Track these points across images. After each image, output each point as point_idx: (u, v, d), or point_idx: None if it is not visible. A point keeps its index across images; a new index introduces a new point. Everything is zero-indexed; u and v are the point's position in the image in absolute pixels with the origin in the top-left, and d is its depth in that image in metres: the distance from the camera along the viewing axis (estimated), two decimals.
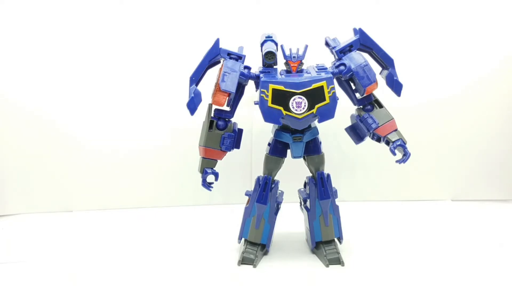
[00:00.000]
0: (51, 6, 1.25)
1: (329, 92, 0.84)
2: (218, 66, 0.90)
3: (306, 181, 0.97)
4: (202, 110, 0.90)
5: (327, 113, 0.85)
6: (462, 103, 1.34)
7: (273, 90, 0.84)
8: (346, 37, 0.93)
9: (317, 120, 0.86)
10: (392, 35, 1.23)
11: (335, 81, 0.88)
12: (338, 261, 0.93)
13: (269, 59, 0.86)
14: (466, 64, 1.32)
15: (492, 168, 1.37)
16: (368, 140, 0.95)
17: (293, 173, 1.00)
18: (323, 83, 0.84)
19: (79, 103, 1.29)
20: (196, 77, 0.87)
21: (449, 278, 0.87)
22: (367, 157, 1.33)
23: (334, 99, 0.85)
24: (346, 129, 0.96)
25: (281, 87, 0.84)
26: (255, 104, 0.87)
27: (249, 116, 1.21)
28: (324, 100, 0.84)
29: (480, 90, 1.33)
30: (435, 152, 1.35)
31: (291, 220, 1.08)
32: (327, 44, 0.93)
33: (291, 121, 0.85)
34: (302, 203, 0.99)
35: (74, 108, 1.29)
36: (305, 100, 0.84)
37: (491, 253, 0.98)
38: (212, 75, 0.91)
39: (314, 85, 0.84)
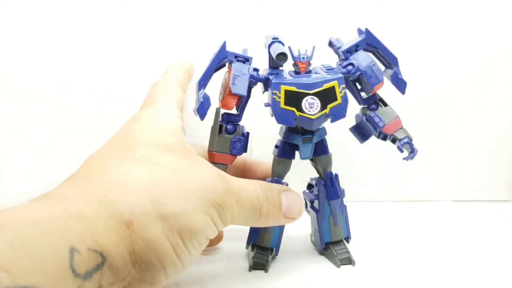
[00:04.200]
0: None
1: (340, 92, 0.84)
2: (224, 69, 0.89)
3: (312, 183, 0.97)
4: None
5: (340, 113, 0.85)
6: (462, 103, 1.35)
7: (286, 91, 0.83)
8: (347, 38, 0.93)
9: (329, 120, 0.86)
10: (393, 35, 1.24)
11: (344, 80, 0.88)
12: (349, 260, 0.93)
13: (281, 60, 0.85)
14: (466, 64, 1.34)
15: (492, 168, 1.39)
16: (367, 141, 0.96)
17: (297, 175, 0.99)
18: (335, 83, 0.84)
19: (78, 104, 1.24)
20: (204, 81, 0.85)
21: (452, 278, 0.88)
22: (366, 158, 1.33)
23: (345, 98, 0.85)
24: (351, 129, 0.96)
25: (294, 88, 0.83)
26: (266, 106, 0.86)
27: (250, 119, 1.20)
28: (336, 100, 0.84)
29: (480, 90, 1.36)
30: (435, 152, 1.36)
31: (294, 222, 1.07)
32: (331, 44, 0.93)
33: (304, 122, 0.84)
34: (309, 204, 0.98)
35: (73, 109, 1.24)
36: (318, 101, 0.83)
37: (492, 254, 1.00)
38: (215, 79, 0.89)
39: (325, 86, 0.84)
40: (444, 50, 1.33)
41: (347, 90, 0.93)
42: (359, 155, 1.31)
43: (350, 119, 0.97)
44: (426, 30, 1.32)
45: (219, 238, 1.01)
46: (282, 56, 0.85)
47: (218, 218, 0.73)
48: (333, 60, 0.94)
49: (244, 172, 1.02)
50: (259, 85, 0.90)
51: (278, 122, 0.84)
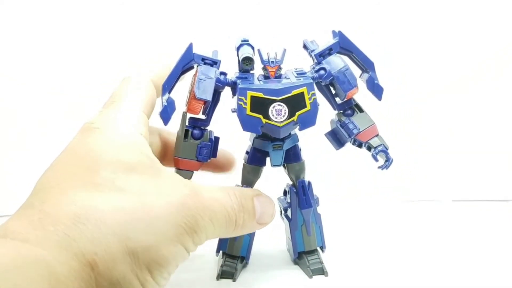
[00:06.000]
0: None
1: (309, 99, 0.80)
2: (192, 72, 0.85)
3: (287, 190, 0.94)
4: (175, 119, 0.85)
5: (308, 120, 0.81)
6: (462, 103, 1.33)
7: (252, 97, 0.79)
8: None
9: (298, 127, 0.83)
10: (393, 35, 1.22)
11: (314, 85, 0.84)
12: (321, 271, 0.90)
13: (247, 64, 0.82)
14: (466, 64, 1.31)
15: (492, 168, 1.35)
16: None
17: (272, 181, 0.96)
18: (304, 89, 0.80)
19: (78, 104, 1.22)
20: (169, 85, 0.82)
21: (450, 279, 0.86)
22: (367, 157, 1.31)
23: (315, 105, 0.81)
24: (326, 135, 0.92)
25: (260, 94, 0.79)
26: (232, 111, 0.82)
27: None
28: (305, 107, 0.80)
29: (479, 90, 1.32)
30: (435, 152, 1.34)
31: (271, 228, 1.04)
32: (305, 47, 0.89)
33: (271, 130, 0.81)
34: (283, 212, 0.95)
35: (74, 109, 1.23)
36: (285, 108, 0.79)
37: (492, 254, 0.97)
38: (185, 81, 0.86)
39: (294, 92, 0.80)
40: (444, 50, 1.29)
41: (321, 95, 0.90)
42: (359, 153, 1.28)
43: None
44: (426, 30, 1.29)
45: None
46: (248, 61, 0.81)
47: (191, 244, 0.67)
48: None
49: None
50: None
51: (244, 129, 0.81)
